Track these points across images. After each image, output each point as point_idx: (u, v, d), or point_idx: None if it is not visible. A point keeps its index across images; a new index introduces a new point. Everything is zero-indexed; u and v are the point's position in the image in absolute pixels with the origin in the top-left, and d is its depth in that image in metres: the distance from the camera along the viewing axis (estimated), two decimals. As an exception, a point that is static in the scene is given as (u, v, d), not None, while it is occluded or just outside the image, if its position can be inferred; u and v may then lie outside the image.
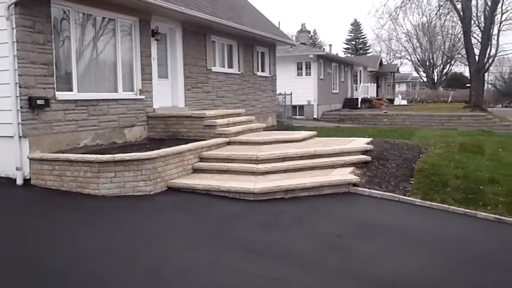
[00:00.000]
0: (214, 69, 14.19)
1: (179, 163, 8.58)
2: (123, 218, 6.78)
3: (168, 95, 12.41)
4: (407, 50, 66.99)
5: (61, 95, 8.91)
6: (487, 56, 34.83)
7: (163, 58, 12.25)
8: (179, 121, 10.88)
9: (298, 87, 25.51)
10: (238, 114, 12.59)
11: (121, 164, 7.68)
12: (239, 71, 15.78)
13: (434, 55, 66.00)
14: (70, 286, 4.58)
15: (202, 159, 9.26)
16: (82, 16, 9.61)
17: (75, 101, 9.23)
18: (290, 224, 6.77)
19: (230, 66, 15.50)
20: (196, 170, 9.02)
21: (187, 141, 9.89)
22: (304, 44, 31.56)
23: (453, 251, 6.13)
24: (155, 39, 11.47)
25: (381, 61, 49.00)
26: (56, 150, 8.65)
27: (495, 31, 36.94)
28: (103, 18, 10.11)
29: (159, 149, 8.41)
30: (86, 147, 9.32)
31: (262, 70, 17.94)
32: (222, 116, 11.48)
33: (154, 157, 7.88)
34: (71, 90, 9.27)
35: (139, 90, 10.91)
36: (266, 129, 13.99)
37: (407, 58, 68.77)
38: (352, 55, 72.98)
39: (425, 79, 70.04)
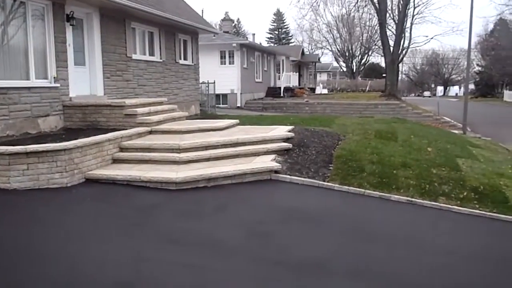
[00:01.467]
0: (134, 56, 13.80)
1: (97, 154, 8.29)
2: (37, 213, 6.45)
3: (86, 83, 11.90)
4: (327, 40, 69.10)
5: (-35, 82, 8.27)
6: (401, 47, 36.70)
7: (80, 44, 11.72)
8: (97, 110, 10.49)
9: (222, 76, 25.48)
10: (160, 103, 12.36)
11: (34, 155, 7.28)
12: (161, 59, 15.46)
13: (353, 46, 68.54)
14: (-22, 286, 4.31)
15: (122, 149, 9.01)
16: (-12, -2, 8.95)
17: (-18, 89, 8.61)
18: (213, 212, 6.79)
19: (152, 53, 15.14)
20: (116, 161, 8.77)
21: (106, 130, 9.57)
22: (227, 32, 31.51)
23: (367, 232, 6.45)
24: (71, 24, 10.93)
25: (303, 51, 50.11)
26: (-39, 141, 8.05)
27: (408, 24, 39.04)
28: (14, 1, 9.47)
29: (76, 139, 8.05)
30: (-5, 138, 8.75)
31: (185, 58, 17.70)
32: (143, 105, 11.22)
33: (70, 148, 7.54)
34: (-24, 77, 8.63)
35: (54, 77, 10.37)
36: (189, 117, 13.86)
37: (328, 48, 70.95)
38: (275, 45, 73.97)
39: (345, 69, 72.57)
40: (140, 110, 10.55)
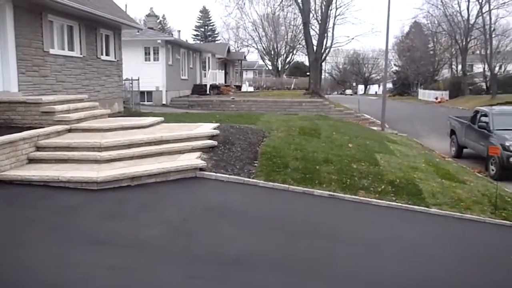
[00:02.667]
0: (52, 51, 13.15)
1: (11, 153, 7.82)
2: None
3: (-2, 78, 11.20)
4: (253, 39, 69.73)
5: None
6: (324, 47, 37.80)
7: (-9, 37, 11.00)
8: (11, 107, 9.91)
9: (146, 73, 24.88)
10: (81, 100, 11.89)
11: None
12: (81, 54, 14.85)
13: (278, 45, 69.67)
14: None
15: (39, 148, 8.57)
16: None
17: None
18: (137, 212, 6.64)
19: (71, 48, 14.50)
20: (32, 161, 8.32)
21: (21, 129, 9.05)
22: (152, 28, 30.86)
23: (290, 227, 6.61)
24: (-20, 16, 10.24)
25: (229, 48, 50.15)
26: None
27: (331, 24, 40.29)
28: None
29: (-14, 138, 7.57)
30: None
31: (107, 54, 17.13)
32: (62, 102, 10.74)
33: (-20, 147, 7.08)
34: None
35: (-39, 72, 9.68)
36: (112, 115, 13.46)
37: (253, 47, 71.59)
38: (201, 42, 73.58)
39: (270, 67, 73.56)
40: (58, 107, 10.09)
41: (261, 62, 76.84)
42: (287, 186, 8.40)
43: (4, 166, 7.60)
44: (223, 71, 44.44)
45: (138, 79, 21.79)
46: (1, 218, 6.08)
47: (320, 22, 36.64)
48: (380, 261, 5.77)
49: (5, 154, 7.63)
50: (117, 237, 5.67)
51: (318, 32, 36.55)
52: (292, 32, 65.11)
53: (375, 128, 21.01)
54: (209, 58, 38.49)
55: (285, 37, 67.98)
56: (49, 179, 7.40)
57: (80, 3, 13.53)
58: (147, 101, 26.38)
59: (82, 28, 14.81)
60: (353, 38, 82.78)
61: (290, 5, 41.46)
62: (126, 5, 43.71)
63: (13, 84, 11.43)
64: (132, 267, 4.88)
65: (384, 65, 29.33)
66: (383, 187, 8.81)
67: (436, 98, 51.73)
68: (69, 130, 9.74)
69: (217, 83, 36.98)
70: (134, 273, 4.74)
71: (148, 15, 35.27)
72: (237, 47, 71.54)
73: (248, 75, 71.71)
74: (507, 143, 12.38)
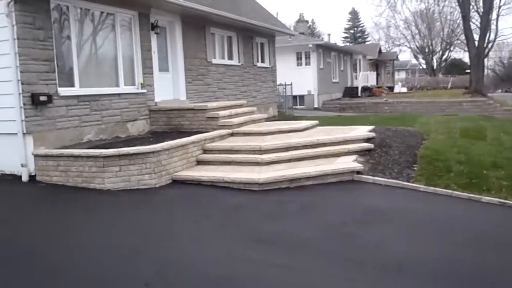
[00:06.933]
0: (214, 61, 14.18)
1: (183, 156, 8.62)
2: (130, 212, 6.82)
3: (170, 88, 12.42)
4: (405, 37, 66.77)
5: (63, 91, 8.92)
6: (486, 41, 34.69)
7: (163, 51, 12.25)
8: (181, 114, 10.91)
9: (298, 77, 25.47)
10: (240, 106, 12.61)
11: (125, 158, 7.72)
12: (239, 62, 15.78)
13: (433, 42, 65.76)
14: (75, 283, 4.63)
15: (205, 151, 9.30)
16: (81, 12, 9.60)
17: (77, 96, 9.25)
18: (297, 213, 6.83)
19: (230, 57, 15.49)
20: (200, 162, 9.06)
21: (190, 133, 9.92)
22: (302, 34, 31.47)
23: (456, 235, 6.18)
24: (155, 33, 11.45)
25: (380, 49, 48.87)
26: (60, 146, 8.68)
27: (494, 15, 36.87)
28: (101, 12, 10.10)
29: (162, 142, 8.44)
30: (90, 142, 9.35)
31: (262, 61, 17.93)
32: (224, 108, 11.51)
33: (158, 150, 7.91)
34: (73, 85, 9.28)
35: (141, 84, 10.92)
36: (268, 119, 14.01)
37: (406, 46, 68.56)
38: (351, 44, 72.78)
39: (424, 66, 69.85)
40: (221, 113, 10.83)
41: (414, 61, 73.39)
42: (450, 191, 7.90)
43: (178, 167, 8.40)
44: (375, 72, 43.42)
45: (291, 84, 22.37)
46: (179, 214, 6.73)
47: (481, 14, 33.77)
48: None
49: (178, 156, 8.43)
50: (279, 236, 5.88)
51: (479, 25, 33.75)
52: (449, 27, 60.91)
53: (551, 128, 18.66)
54: (359, 59, 37.96)
55: (441, 33, 63.88)
56: (215, 180, 7.99)
57: (238, 14, 14.38)
58: (299, 105, 26.93)
59: (239, 38, 15.72)
60: (521, 30, 74.74)
61: (446, -1, 38.95)
62: (277, 12, 45.31)
63: (181, 93, 12.59)
64: (295, 266, 5.01)
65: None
66: None
67: None
68: (231, 134, 10.39)
69: (369, 85, 36.28)
70: (296, 272, 4.87)
71: (298, 21, 35.98)
72: (388, 47, 69.26)
73: (401, 75, 68.97)
74: None
